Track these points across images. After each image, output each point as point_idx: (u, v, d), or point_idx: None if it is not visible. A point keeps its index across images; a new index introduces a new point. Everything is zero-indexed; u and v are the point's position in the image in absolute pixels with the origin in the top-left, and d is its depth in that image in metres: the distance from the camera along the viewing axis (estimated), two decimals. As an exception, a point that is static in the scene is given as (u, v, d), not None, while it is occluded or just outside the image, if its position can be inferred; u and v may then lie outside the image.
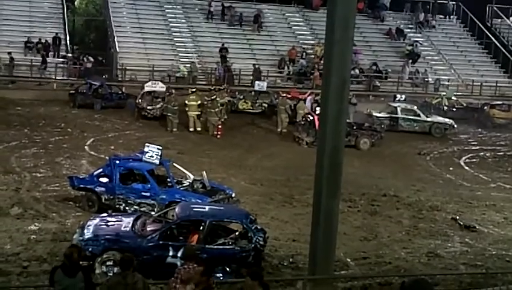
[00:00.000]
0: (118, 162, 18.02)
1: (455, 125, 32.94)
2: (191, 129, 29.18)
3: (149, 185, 17.28)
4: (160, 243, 13.30)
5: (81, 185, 17.85)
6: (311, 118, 27.99)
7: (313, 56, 42.22)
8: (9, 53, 37.09)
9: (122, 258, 9.23)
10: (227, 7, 45.31)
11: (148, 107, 31.05)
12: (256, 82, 35.69)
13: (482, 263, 15.64)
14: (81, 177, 18.70)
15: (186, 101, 29.63)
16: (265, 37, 45.13)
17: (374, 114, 32.58)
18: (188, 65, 39.25)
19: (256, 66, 40.10)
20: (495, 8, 50.76)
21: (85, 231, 13.71)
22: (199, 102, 29.56)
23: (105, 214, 15.16)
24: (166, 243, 13.30)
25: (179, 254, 12.85)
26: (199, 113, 29.41)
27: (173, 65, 39.33)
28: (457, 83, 43.71)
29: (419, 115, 32.83)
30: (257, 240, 13.44)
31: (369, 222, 18.19)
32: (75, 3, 49.98)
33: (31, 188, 19.09)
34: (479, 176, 25.06)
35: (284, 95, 32.48)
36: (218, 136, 28.39)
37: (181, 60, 40.28)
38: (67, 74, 38.65)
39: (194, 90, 31.16)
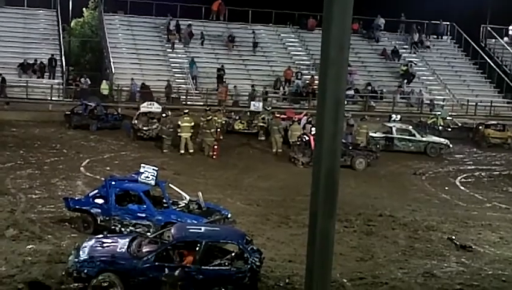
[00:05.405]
0: (113, 183, 17.95)
1: (450, 145, 33.01)
2: (182, 151, 28.63)
3: (145, 206, 17.21)
4: (155, 265, 13.24)
5: (77, 207, 17.76)
6: (307, 138, 28.01)
7: (309, 80, 42.20)
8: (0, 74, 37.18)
9: None
10: (186, 26, 44.85)
11: (144, 128, 31.05)
12: (252, 102, 35.76)
13: (478, 283, 15.59)
14: (76, 198, 18.62)
15: (180, 122, 29.14)
16: (261, 57, 45.36)
17: (370, 134, 32.63)
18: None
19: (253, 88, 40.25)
20: (489, 28, 51.16)
21: (80, 252, 13.64)
22: (193, 123, 29.19)
23: (100, 236, 15.11)
24: (162, 265, 13.24)
25: (175, 275, 12.82)
26: (191, 134, 29.00)
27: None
28: (452, 103, 43.89)
29: (414, 135, 32.89)
30: (253, 261, 13.40)
31: (365, 242, 18.14)
32: (71, 24, 50.14)
33: (26, 210, 19.00)
34: (475, 195, 25.04)
35: (278, 115, 32.50)
36: (214, 157, 28.36)
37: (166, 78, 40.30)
38: (63, 95, 38.73)
39: (186, 111, 30.59)
